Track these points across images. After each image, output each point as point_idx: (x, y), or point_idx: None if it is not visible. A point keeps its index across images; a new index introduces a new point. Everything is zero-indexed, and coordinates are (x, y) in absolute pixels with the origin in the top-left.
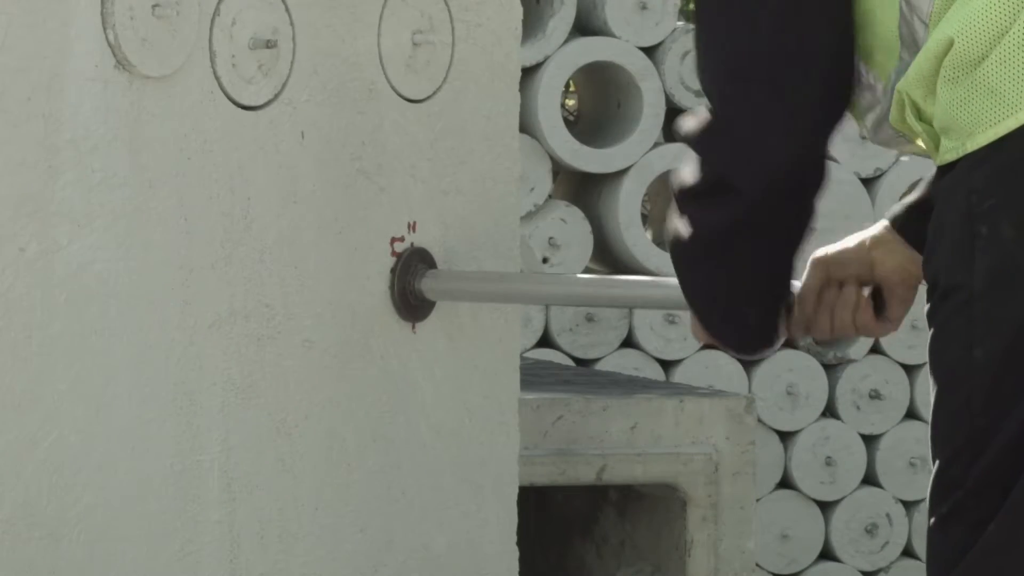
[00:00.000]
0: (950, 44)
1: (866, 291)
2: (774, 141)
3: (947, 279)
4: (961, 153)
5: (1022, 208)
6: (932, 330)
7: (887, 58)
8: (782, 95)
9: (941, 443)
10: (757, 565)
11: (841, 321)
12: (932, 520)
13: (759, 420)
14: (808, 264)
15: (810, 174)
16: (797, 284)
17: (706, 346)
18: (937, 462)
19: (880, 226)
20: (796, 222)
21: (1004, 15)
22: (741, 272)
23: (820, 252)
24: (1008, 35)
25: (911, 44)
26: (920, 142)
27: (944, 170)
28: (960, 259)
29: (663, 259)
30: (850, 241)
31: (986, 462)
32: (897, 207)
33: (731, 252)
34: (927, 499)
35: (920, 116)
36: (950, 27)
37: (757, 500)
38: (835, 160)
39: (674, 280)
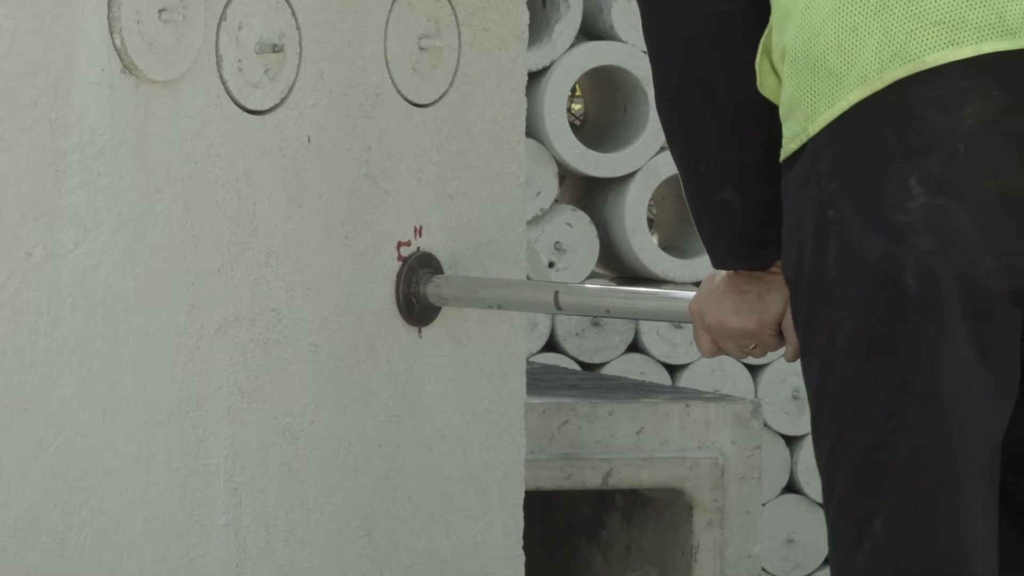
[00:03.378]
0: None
1: None
2: None
3: (808, 268)
4: (804, 139)
5: (860, 190)
6: (801, 324)
7: None
8: None
9: (822, 443)
10: (763, 570)
11: None
12: (828, 522)
13: (765, 424)
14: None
15: (745, 18)
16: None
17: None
18: (821, 462)
19: None
20: (740, 75)
21: None
22: (698, 141)
23: None
24: (840, 15)
25: None
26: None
27: (790, 162)
28: (817, 247)
29: (669, 263)
30: None
31: (856, 455)
32: None
33: (678, 110)
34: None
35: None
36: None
37: (763, 504)
38: None
39: (681, 293)
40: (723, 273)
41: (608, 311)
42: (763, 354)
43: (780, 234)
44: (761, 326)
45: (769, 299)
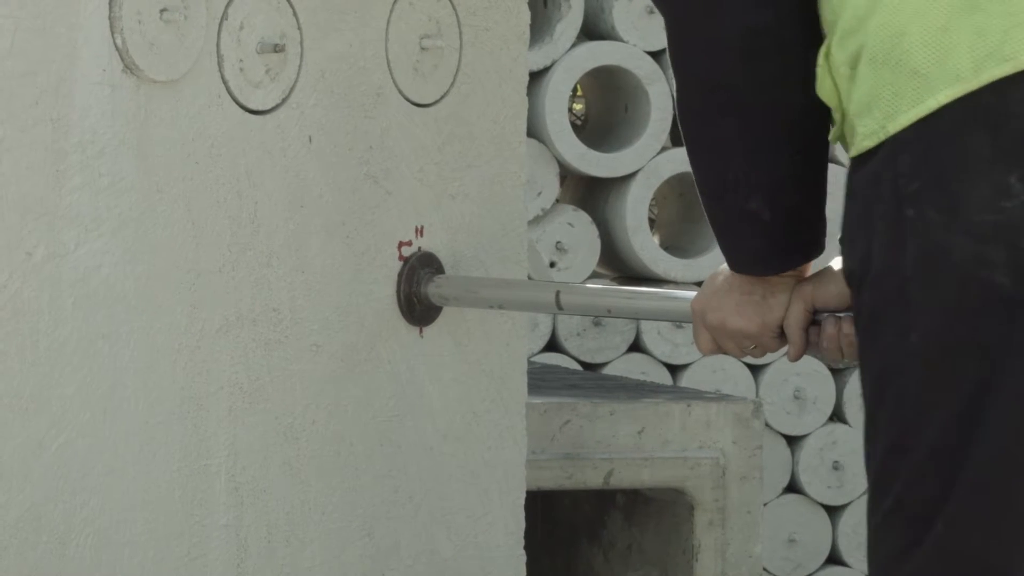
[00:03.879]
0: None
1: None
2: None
3: (879, 265)
4: (883, 137)
5: (945, 190)
6: (863, 322)
7: None
8: None
9: (880, 439)
10: (764, 570)
11: (849, 353)
12: (875, 520)
13: (766, 424)
14: (791, 298)
15: (775, 32)
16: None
17: None
18: (875, 460)
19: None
20: (769, 88)
21: None
22: (724, 151)
23: (803, 285)
24: (926, 15)
25: None
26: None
27: (862, 160)
28: (891, 244)
29: (670, 263)
30: (829, 272)
31: (926, 452)
32: None
33: (703, 121)
34: (868, 500)
35: (828, 55)
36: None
37: (764, 504)
38: (842, 164)
39: (682, 292)
40: (726, 272)
41: (609, 311)
42: (763, 354)
43: (809, 240)
44: (763, 328)
45: (773, 301)
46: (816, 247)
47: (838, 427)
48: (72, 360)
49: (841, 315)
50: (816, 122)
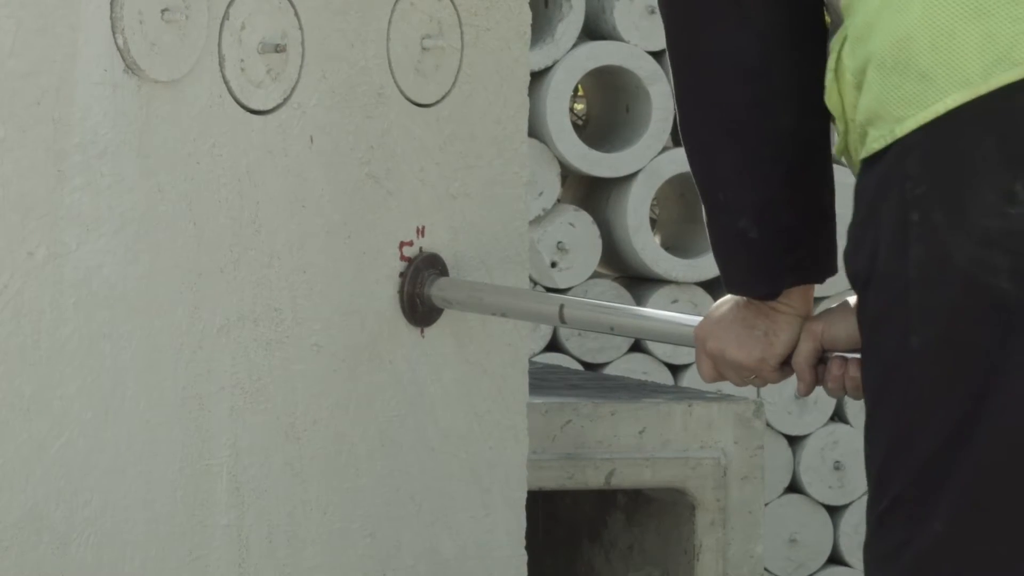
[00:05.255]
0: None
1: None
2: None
3: (882, 268)
4: (891, 140)
5: (952, 194)
6: (866, 325)
7: None
8: None
9: (880, 440)
10: (766, 569)
11: (853, 393)
12: (872, 519)
13: (768, 424)
14: (801, 335)
15: (766, 56)
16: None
17: None
18: (876, 462)
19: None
20: (754, 111)
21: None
22: (717, 170)
23: (814, 323)
24: (933, 19)
25: None
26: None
27: (870, 163)
28: (895, 247)
29: (672, 264)
30: (841, 312)
31: (925, 454)
32: None
33: (699, 140)
34: (868, 500)
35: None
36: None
37: (766, 504)
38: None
39: (687, 317)
40: (731, 302)
41: (612, 328)
42: (764, 384)
43: (801, 262)
44: (761, 363)
45: (774, 337)
46: (811, 270)
47: (839, 427)
48: (73, 360)
49: (848, 356)
50: (811, 144)
